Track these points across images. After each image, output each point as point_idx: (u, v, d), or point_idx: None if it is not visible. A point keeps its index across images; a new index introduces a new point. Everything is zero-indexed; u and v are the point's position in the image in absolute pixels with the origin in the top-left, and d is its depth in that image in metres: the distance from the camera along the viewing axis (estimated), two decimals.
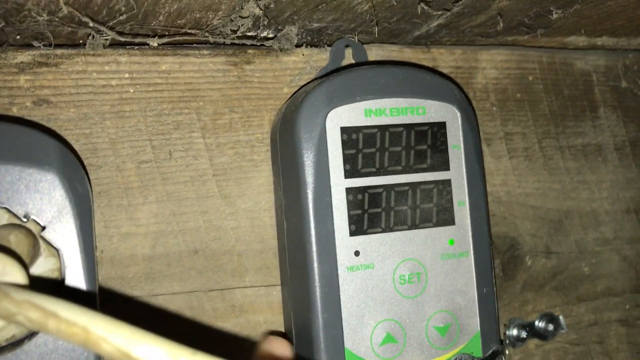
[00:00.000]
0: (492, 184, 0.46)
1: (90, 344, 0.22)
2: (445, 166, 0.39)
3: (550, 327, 0.47)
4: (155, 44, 0.38)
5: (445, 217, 0.39)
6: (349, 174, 0.37)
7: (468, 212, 0.39)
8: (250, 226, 0.40)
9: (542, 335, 0.47)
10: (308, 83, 0.42)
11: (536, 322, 0.47)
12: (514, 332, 0.46)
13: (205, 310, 0.39)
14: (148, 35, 0.38)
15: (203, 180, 0.40)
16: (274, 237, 0.41)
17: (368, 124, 0.37)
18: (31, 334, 0.29)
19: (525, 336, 0.46)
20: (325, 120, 0.36)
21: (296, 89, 0.42)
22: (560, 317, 0.48)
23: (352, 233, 0.37)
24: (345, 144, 0.37)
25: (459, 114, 0.40)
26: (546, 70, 0.49)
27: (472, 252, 0.39)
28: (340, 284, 0.36)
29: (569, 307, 0.49)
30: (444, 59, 0.46)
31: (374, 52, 0.44)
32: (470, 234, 0.39)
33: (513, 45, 0.49)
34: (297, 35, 0.41)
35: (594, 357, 0.49)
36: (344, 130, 0.37)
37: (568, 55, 0.50)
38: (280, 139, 0.39)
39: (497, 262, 0.47)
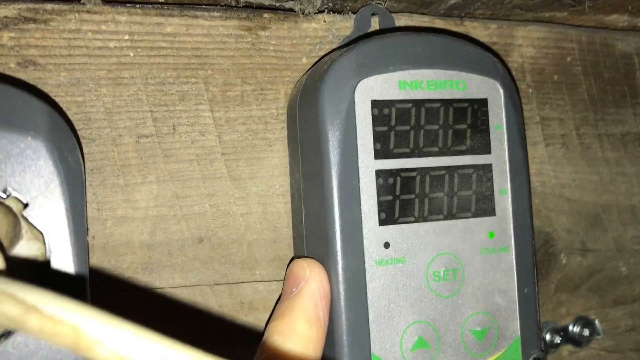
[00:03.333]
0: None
1: (81, 348, 0.18)
2: (486, 149, 0.35)
3: (586, 332, 0.43)
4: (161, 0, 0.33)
5: (485, 207, 0.34)
6: (379, 155, 0.32)
7: (510, 202, 0.35)
8: (262, 212, 0.36)
9: (576, 341, 0.43)
10: (330, 53, 0.37)
11: (570, 327, 0.43)
12: (547, 337, 0.42)
13: (210, 306, 0.34)
14: None
15: (210, 159, 0.35)
16: (289, 226, 0.36)
17: (402, 97, 0.33)
18: (7, 333, 0.24)
19: (559, 342, 0.42)
20: (354, 91, 0.32)
21: (316, 59, 0.37)
22: (596, 322, 0.44)
23: (382, 222, 0.32)
24: (376, 120, 0.32)
25: (501, 91, 0.35)
26: (585, 50, 0.45)
27: (513, 246, 0.35)
28: (368, 280, 0.31)
29: (605, 310, 0.44)
30: (478, 33, 0.42)
31: (403, 22, 0.40)
32: (511, 226, 0.35)
33: (551, 22, 0.44)
34: None
35: None
36: (375, 103, 0.32)
37: (609, 36, 0.46)
38: (300, 113, 0.34)
39: None
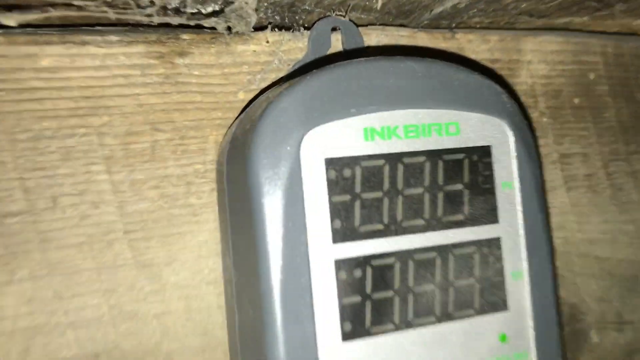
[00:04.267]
0: None
1: None
2: (492, 217, 0.25)
3: None
4: (13, 23, 0.24)
5: (494, 299, 0.24)
6: (339, 236, 0.22)
7: (528, 289, 0.25)
8: (186, 310, 0.26)
9: None
10: (275, 84, 0.27)
11: None
12: None
13: None
14: (12, 8, 0.23)
15: (108, 240, 0.25)
16: (224, 326, 0.26)
17: (370, 151, 0.23)
18: None
19: None
20: (299, 146, 0.22)
21: (257, 94, 0.27)
22: None
23: (347, 336, 0.22)
24: (333, 187, 0.22)
25: (510, 133, 0.25)
26: (612, 65, 0.35)
27: (534, 351, 0.25)
28: None
29: None
30: (475, 48, 0.32)
31: (374, 39, 0.30)
32: (531, 323, 0.25)
33: (566, 29, 0.35)
34: (258, 10, 0.26)
35: None
36: (332, 163, 0.22)
37: None
38: (228, 175, 0.24)
39: None
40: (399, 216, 0.23)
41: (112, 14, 0.24)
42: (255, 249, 0.22)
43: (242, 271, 0.23)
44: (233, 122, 0.26)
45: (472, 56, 0.31)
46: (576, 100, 0.34)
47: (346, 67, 0.23)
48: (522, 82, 0.33)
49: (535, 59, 0.33)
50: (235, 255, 0.24)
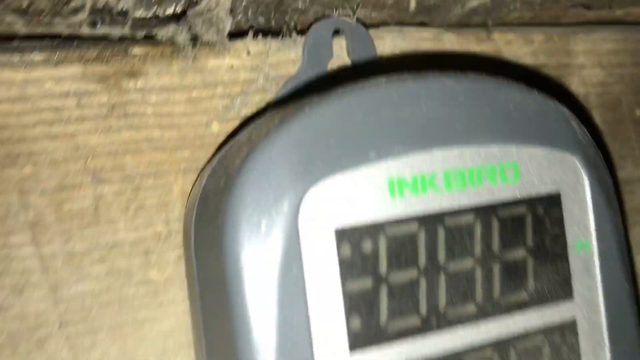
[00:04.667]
0: None
1: None
2: (564, 291, 0.18)
3: None
4: None
5: None
6: (360, 341, 0.16)
7: None
8: None
9: None
10: (261, 112, 0.20)
11: None
12: None
13: None
14: None
15: (38, 338, 0.18)
16: None
17: (399, 214, 0.16)
18: None
19: None
20: (297, 212, 0.15)
21: (236, 123, 0.21)
22: None
23: None
24: (347, 269, 0.16)
25: (584, 173, 0.18)
26: None
27: None
28: None
29: None
30: (516, 51, 0.25)
31: (389, 43, 0.23)
32: None
33: (623, 22, 0.28)
34: (234, 11, 0.19)
35: None
36: (344, 235, 0.16)
37: None
38: (197, 247, 0.17)
39: None
40: (442, 303, 0.16)
41: (20, 26, 0.17)
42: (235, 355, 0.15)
43: None
44: (205, 166, 0.19)
45: (513, 61, 0.25)
46: (638, 112, 0.27)
47: (359, 93, 0.16)
48: (572, 90, 0.26)
49: (588, 62, 0.26)
50: (210, 356, 0.17)
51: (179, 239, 0.20)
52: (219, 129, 0.20)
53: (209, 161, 0.20)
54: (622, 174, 0.27)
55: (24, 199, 0.18)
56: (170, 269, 0.20)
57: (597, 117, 0.27)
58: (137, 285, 0.19)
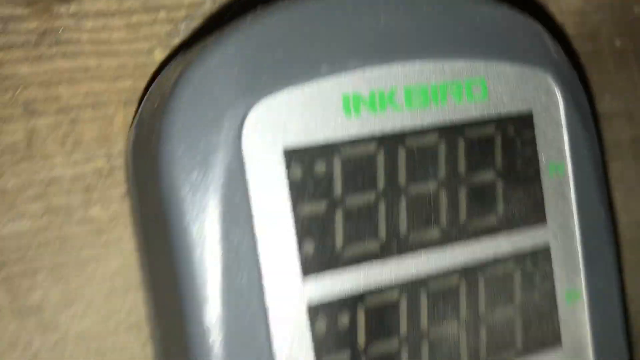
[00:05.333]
0: None
1: None
2: (537, 216, 0.17)
3: None
4: None
5: (542, 334, 0.17)
6: (314, 267, 0.14)
7: (587, 315, 0.17)
8: None
9: None
10: (203, 35, 0.19)
11: None
12: None
13: None
14: None
15: None
16: None
17: (355, 133, 0.15)
18: None
19: None
20: (240, 132, 0.14)
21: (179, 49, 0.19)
22: None
23: None
24: (298, 191, 0.14)
25: (559, 93, 0.17)
26: None
27: None
28: None
29: None
30: None
31: None
32: None
33: None
34: None
35: None
36: (295, 155, 0.14)
37: None
38: (136, 178, 0.16)
39: None
40: (403, 227, 0.15)
41: None
42: (180, 297, 0.14)
43: (167, 326, 0.15)
44: (145, 97, 0.18)
45: None
46: (618, 43, 0.26)
47: (311, 1, 0.15)
48: (550, 21, 0.25)
49: None
50: (157, 297, 0.16)
51: (122, 174, 0.18)
52: (162, 57, 0.19)
53: (145, 97, 0.18)
54: (601, 107, 0.26)
55: None
56: (114, 207, 0.18)
57: (576, 47, 0.25)
58: (78, 223, 0.18)
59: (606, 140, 0.26)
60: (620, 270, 0.18)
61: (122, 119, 0.18)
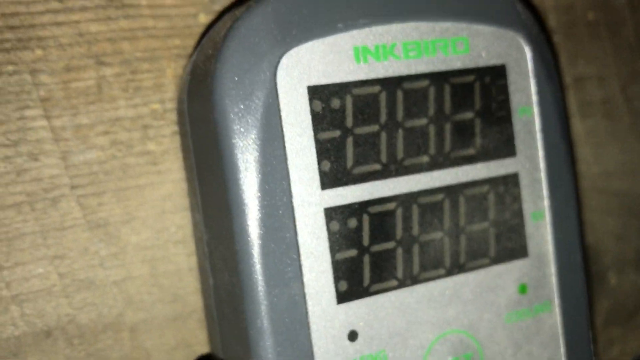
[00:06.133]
0: None
1: None
2: (508, 150, 0.21)
3: None
4: None
5: (512, 245, 0.21)
6: (329, 181, 0.18)
7: (550, 231, 0.21)
8: (151, 275, 0.22)
9: None
10: (243, 1, 0.23)
11: None
12: None
13: None
14: None
15: (53, 197, 0.21)
16: (197, 290, 0.22)
17: (363, 76, 0.19)
18: None
19: None
20: (275, 72, 0.18)
21: (221, 14, 0.23)
22: None
23: (342, 297, 0.18)
24: (319, 121, 0.18)
25: (527, 49, 0.21)
26: None
27: (556, 300, 0.22)
28: None
29: None
30: None
31: None
32: (553, 269, 0.21)
33: None
34: None
35: None
36: (316, 92, 0.18)
37: None
38: (191, 114, 0.20)
39: None
40: (400, 153, 0.19)
41: None
42: (228, 200, 0.18)
43: (214, 227, 0.19)
44: (194, 51, 0.22)
45: None
46: (590, 15, 0.30)
47: None
48: None
49: None
50: (205, 208, 0.20)
51: (173, 116, 0.22)
52: (205, 20, 0.23)
53: (196, 48, 0.22)
54: (574, 72, 0.29)
55: (36, 78, 0.21)
56: (166, 142, 0.22)
57: (553, 19, 0.29)
58: (137, 155, 0.22)
59: (579, 101, 0.30)
60: (577, 197, 0.22)
61: (172, 71, 0.22)
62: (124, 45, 0.22)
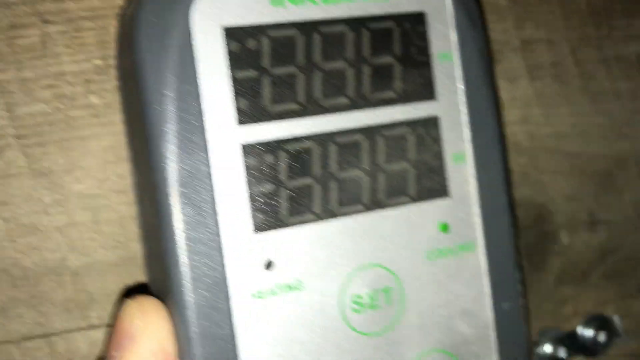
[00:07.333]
0: (506, 121, 0.29)
1: None
2: (428, 94, 0.22)
3: (601, 336, 0.31)
4: None
5: (431, 185, 0.22)
6: (246, 117, 0.19)
7: (472, 173, 0.22)
8: (93, 222, 0.23)
9: (589, 349, 0.31)
10: None
11: (580, 331, 0.31)
12: (548, 349, 0.30)
13: None
14: None
15: None
16: (138, 238, 0.24)
17: (279, 19, 0.20)
18: None
19: (565, 355, 0.30)
20: (188, 15, 0.19)
21: None
22: (615, 319, 0.32)
23: (259, 228, 0.19)
24: (235, 61, 0.19)
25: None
26: None
27: (480, 241, 0.22)
28: (238, 325, 0.19)
29: (627, 302, 0.32)
30: None
31: None
32: (476, 210, 0.22)
33: None
34: None
35: None
36: (232, 33, 0.19)
37: None
38: (120, 62, 0.21)
39: (518, 245, 0.30)
40: (317, 94, 0.20)
41: None
42: (145, 135, 0.19)
43: (139, 167, 0.20)
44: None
45: None
46: None
47: None
48: None
49: None
50: (133, 150, 0.21)
51: (114, 72, 0.23)
52: None
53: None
54: (523, 35, 0.30)
55: None
56: (108, 96, 0.23)
57: None
58: (80, 108, 0.23)
59: (528, 63, 0.30)
60: (503, 141, 0.23)
61: (115, 29, 0.24)
62: (69, 4, 0.23)
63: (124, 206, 0.23)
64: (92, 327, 0.23)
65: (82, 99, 0.23)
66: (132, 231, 0.23)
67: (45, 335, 0.23)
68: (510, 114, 0.30)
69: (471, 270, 0.22)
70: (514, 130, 0.30)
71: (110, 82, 0.23)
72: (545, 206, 0.30)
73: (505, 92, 0.29)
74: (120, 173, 0.23)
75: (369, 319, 0.20)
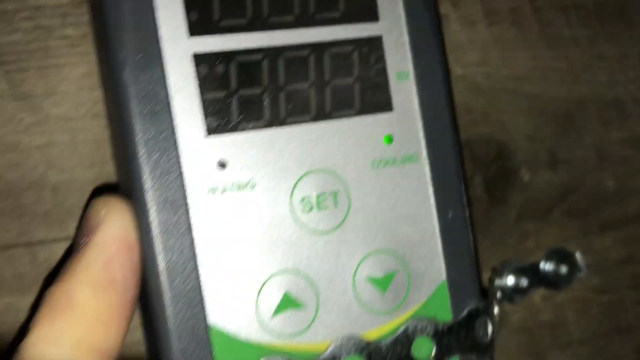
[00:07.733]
0: (465, 63, 0.31)
1: None
2: (371, 14, 0.23)
3: (563, 269, 0.32)
4: None
5: (376, 100, 0.23)
6: (197, 29, 0.21)
7: (415, 89, 0.24)
8: (71, 143, 0.25)
9: (551, 281, 0.32)
10: None
11: (542, 265, 0.32)
12: (510, 280, 0.31)
13: (4, 278, 0.24)
14: None
15: None
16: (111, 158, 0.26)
17: None
18: None
19: (526, 285, 0.31)
20: None
21: None
22: (577, 255, 0.33)
23: (212, 130, 0.21)
24: None
25: None
26: None
27: (424, 153, 0.24)
28: (195, 219, 0.21)
29: (588, 238, 0.34)
30: None
31: None
32: (419, 124, 0.24)
33: None
34: None
35: (630, 308, 0.34)
36: None
37: None
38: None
39: (479, 179, 0.31)
40: (265, 10, 0.22)
41: None
42: (107, 54, 0.21)
43: (105, 85, 0.23)
44: None
45: None
46: None
47: None
48: None
49: None
50: (101, 71, 0.23)
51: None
52: None
53: None
54: None
55: None
56: (83, 28, 0.25)
57: None
58: (57, 38, 0.25)
59: (486, 8, 0.32)
60: (445, 62, 0.24)
61: None
62: None
63: (99, 129, 0.25)
64: (69, 238, 0.25)
65: (59, 30, 0.25)
66: (107, 153, 0.25)
67: (28, 245, 0.25)
68: (469, 56, 0.31)
69: (415, 180, 0.23)
70: (473, 71, 0.31)
71: (86, 16, 0.26)
72: (506, 144, 0.32)
73: (463, 35, 0.31)
74: (96, 99, 0.25)
75: (317, 218, 0.22)
